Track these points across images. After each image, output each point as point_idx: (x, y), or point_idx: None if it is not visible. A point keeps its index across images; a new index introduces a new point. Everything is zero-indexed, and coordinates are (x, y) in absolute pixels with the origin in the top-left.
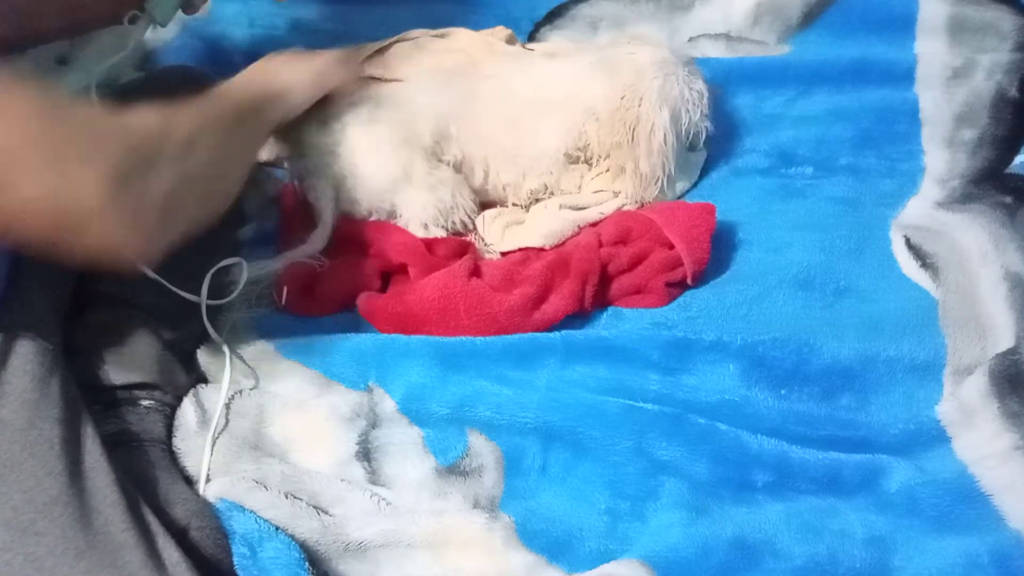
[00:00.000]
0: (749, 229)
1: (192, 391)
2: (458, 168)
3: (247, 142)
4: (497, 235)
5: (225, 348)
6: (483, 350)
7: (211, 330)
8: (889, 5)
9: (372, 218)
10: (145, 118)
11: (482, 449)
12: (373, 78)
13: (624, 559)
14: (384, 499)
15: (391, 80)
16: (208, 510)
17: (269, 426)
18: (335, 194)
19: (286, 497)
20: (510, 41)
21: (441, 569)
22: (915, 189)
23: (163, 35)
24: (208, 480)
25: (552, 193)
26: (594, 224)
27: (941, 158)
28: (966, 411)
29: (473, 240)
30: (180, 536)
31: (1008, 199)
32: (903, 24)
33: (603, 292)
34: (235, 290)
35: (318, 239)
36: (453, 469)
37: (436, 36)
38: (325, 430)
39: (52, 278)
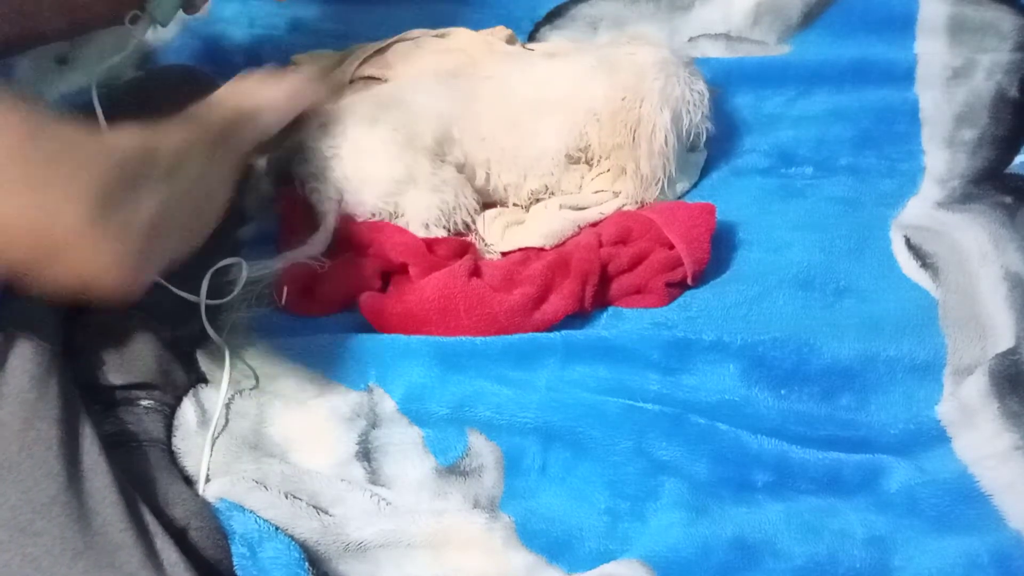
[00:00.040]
0: (749, 229)
1: (192, 391)
2: (460, 169)
3: (226, 163)
4: (497, 235)
5: (225, 348)
6: (483, 350)
7: (210, 330)
8: (889, 5)
9: (374, 219)
10: (128, 138)
11: (482, 449)
12: (373, 78)
13: (624, 559)
14: (384, 499)
15: (391, 80)
16: (207, 510)
17: (269, 426)
18: (338, 197)
19: (286, 497)
20: (510, 41)
21: (441, 569)
22: (915, 189)
23: (163, 35)
24: (208, 480)
25: (552, 193)
26: (594, 224)
27: (941, 158)
28: (966, 411)
29: (473, 240)
30: (179, 536)
31: (1008, 199)
32: (903, 24)
33: (603, 292)
34: (235, 290)
35: (319, 242)
36: (453, 469)
37: (436, 36)
38: (325, 430)
39: None
